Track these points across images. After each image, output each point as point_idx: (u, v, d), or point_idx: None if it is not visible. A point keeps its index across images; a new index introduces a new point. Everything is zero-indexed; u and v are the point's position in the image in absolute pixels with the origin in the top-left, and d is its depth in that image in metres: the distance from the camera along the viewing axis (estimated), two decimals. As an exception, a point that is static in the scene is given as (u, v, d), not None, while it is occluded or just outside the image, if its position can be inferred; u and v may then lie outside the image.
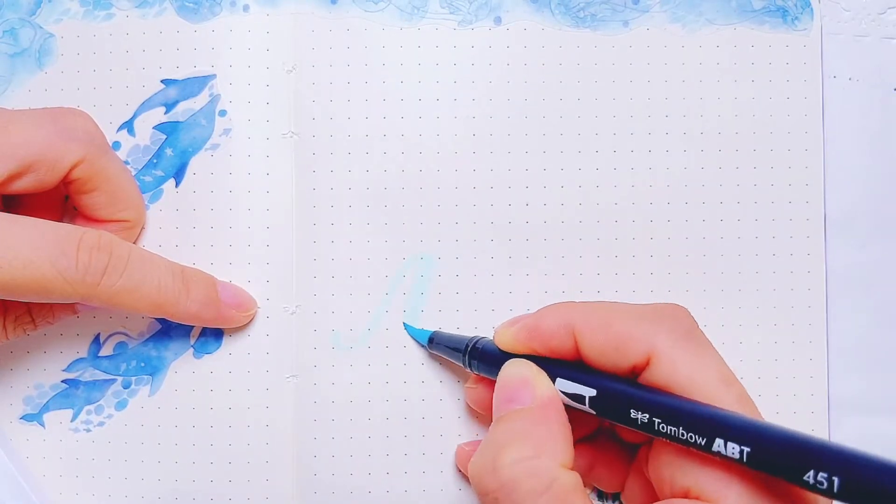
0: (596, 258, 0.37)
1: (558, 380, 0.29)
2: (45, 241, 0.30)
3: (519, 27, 0.37)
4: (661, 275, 0.37)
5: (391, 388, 0.36)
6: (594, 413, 0.29)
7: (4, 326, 0.33)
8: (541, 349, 0.30)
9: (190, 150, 0.36)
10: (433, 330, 0.36)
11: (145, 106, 0.36)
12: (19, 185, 0.31)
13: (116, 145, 0.36)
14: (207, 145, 0.36)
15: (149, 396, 0.36)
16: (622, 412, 0.28)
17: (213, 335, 0.36)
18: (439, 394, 0.36)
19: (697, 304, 0.37)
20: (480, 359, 0.33)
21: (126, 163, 0.36)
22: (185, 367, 0.36)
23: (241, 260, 0.36)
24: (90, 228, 0.32)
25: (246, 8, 0.36)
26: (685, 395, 0.27)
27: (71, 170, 0.32)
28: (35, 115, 0.32)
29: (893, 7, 0.38)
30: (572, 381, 0.29)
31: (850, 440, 0.28)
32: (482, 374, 0.33)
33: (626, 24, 0.37)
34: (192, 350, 0.36)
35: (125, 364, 0.36)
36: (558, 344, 0.30)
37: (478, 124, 0.36)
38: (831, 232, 0.37)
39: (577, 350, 0.29)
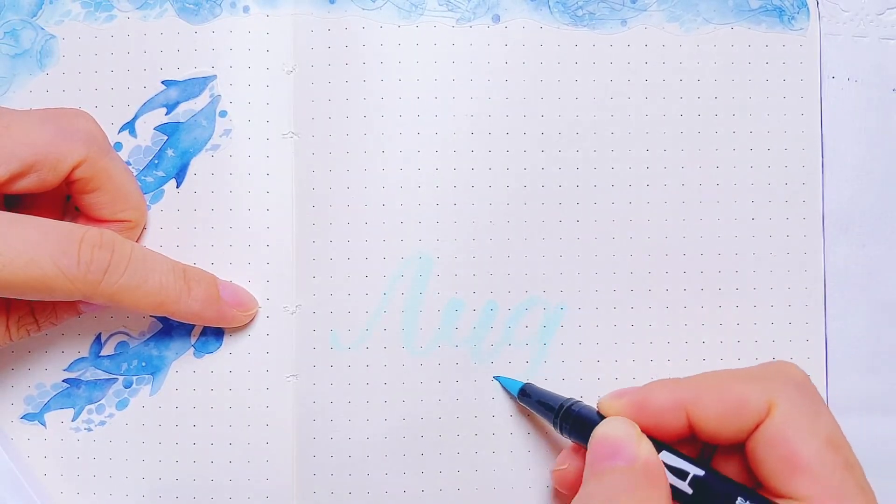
0: (594, 257, 0.37)
1: (664, 452, 0.29)
2: (46, 239, 0.30)
3: (517, 25, 0.37)
4: (658, 274, 0.37)
5: (389, 389, 0.36)
6: (689, 492, 0.28)
7: (8, 328, 0.33)
8: (648, 424, 0.30)
9: (191, 150, 0.36)
10: (525, 382, 0.35)
11: (146, 107, 0.36)
12: (21, 185, 0.31)
13: (118, 146, 0.36)
14: (208, 146, 0.36)
15: (150, 396, 0.36)
16: (728, 498, 0.28)
17: (213, 335, 0.36)
18: (437, 395, 0.36)
19: (695, 302, 0.37)
20: (574, 422, 0.32)
21: (127, 163, 0.36)
22: (186, 367, 0.36)
23: (241, 260, 0.36)
24: (92, 227, 0.32)
25: (246, 9, 0.36)
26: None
27: (73, 170, 0.32)
28: (37, 115, 0.33)
29: (892, 8, 0.38)
30: (680, 456, 0.29)
31: (849, 439, 0.28)
32: (572, 439, 0.32)
33: (623, 22, 0.37)
34: (192, 349, 0.36)
35: (126, 363, 0.36)
36: (667, 421, 0.29)
37: (476, 123, 0.36)
38: (830, 231, 0.37)
39: (688, 427, 0.29)
